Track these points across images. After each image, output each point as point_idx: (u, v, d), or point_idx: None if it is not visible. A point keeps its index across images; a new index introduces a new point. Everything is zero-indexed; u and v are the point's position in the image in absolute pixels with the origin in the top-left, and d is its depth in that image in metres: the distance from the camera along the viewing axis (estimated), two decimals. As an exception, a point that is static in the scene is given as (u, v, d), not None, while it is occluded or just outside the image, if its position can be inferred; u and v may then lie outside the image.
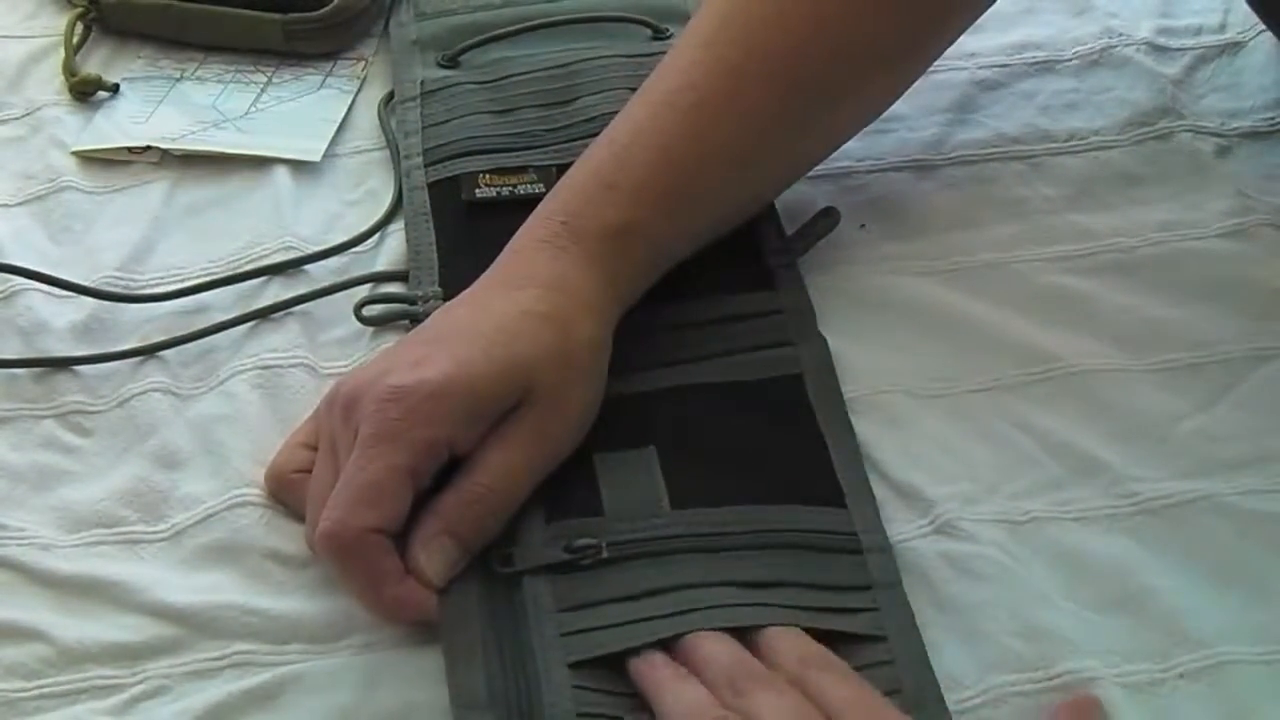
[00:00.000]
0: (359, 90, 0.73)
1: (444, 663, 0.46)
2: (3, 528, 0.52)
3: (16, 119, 0.72)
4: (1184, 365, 0.56)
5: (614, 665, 0.46)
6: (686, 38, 0.59)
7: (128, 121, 0.71)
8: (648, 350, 0.55)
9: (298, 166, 0.68)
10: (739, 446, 0.53)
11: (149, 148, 0.69)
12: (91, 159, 0.69)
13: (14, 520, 0.52)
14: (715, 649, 0.45)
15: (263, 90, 0.73)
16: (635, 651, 0.46)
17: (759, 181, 0.59)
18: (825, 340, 0.57)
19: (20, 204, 0.67)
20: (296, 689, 0.47)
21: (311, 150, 0.69)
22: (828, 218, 0.61)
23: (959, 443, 0.53)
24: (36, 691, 0.47)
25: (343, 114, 0.71)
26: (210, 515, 0.52)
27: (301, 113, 0.71)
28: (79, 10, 0.76)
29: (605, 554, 0.48)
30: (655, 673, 0.45)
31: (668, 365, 0.55)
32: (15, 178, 0.68)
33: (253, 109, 0.72)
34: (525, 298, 0.51)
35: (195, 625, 0.49)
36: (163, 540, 0.52)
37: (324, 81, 0.73)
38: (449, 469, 0.49)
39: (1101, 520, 0.51)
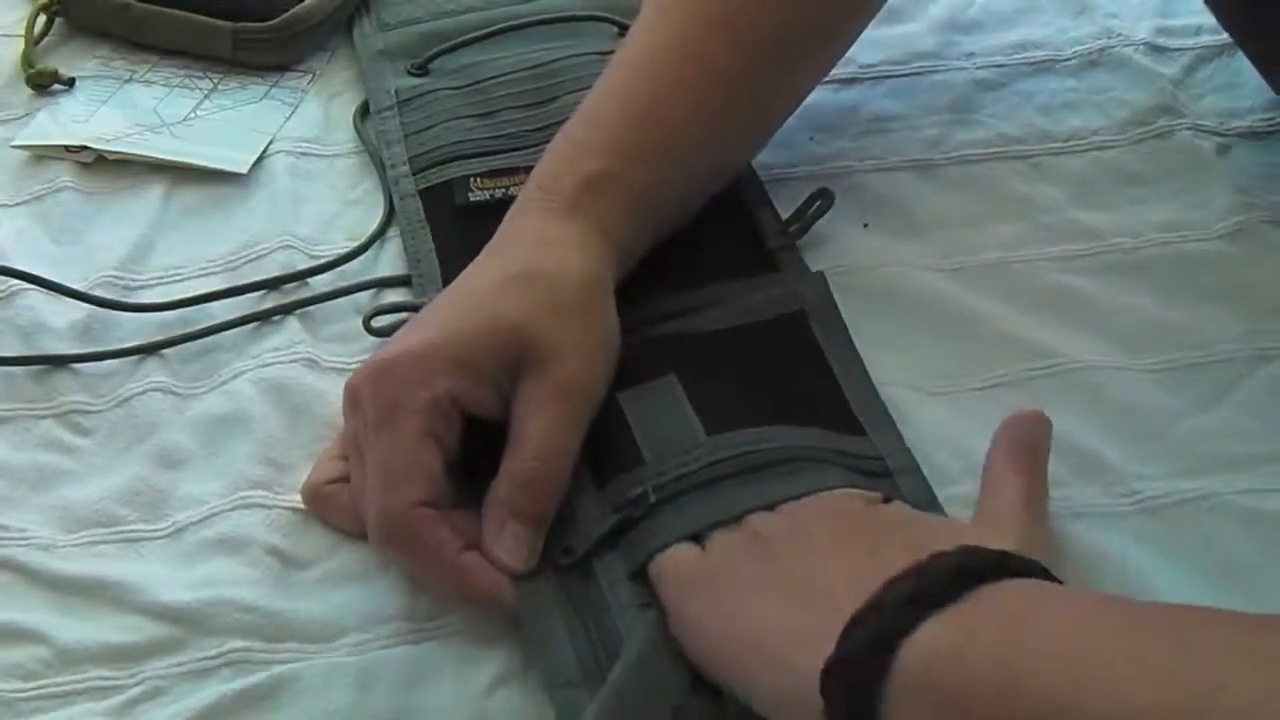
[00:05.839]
0: (300, 103, 0.72)
1: (527, 648, 0.46)
2: (2, 528, 0.52)
3: (16, 119, 0.72)
4: (1185, 364, 0.56)
5: None
6: (640, 16, 0.60)
7: (69, 120, 0.70)
8: (650, 312, 0.56)
9: (296, 165, 0.68)
10: (755, 379, 0.53)
11: (85, 147, 0.68)
12: (95, 159, 0.68)
13: (13, 520, 0.52)
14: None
15: (206, 97, 0.72)
16: None
17: (729, 133, 0.60)
18: (823, 276, 0.58)
19: (20, 204, 0.67)
20: (292, 689, 0.47)
21: (239, 161, 0.67)
22: (823, 198, 0.61)
23: (962, 439, 0.53)
24: (35, 692, 0.47)
25: (279, 127, 0.70)
26: (211, 514, 0.52)
27: (238, 122, 0.70)
28: (42, 2, 0.76)
29: (653, 499, 0.48)
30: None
31: (673, 319, 0.56)
32: (15, 178, 0.68)
33: (192, 115, 0.71)
34: (504, 261, 0.52)
35: (191, 622, 0.48)
36: (162, 539, 0.52)
37: (268, 92, 0.73)
38: (495, 454, 0.48)
39: (1102, 518, 0.51)
